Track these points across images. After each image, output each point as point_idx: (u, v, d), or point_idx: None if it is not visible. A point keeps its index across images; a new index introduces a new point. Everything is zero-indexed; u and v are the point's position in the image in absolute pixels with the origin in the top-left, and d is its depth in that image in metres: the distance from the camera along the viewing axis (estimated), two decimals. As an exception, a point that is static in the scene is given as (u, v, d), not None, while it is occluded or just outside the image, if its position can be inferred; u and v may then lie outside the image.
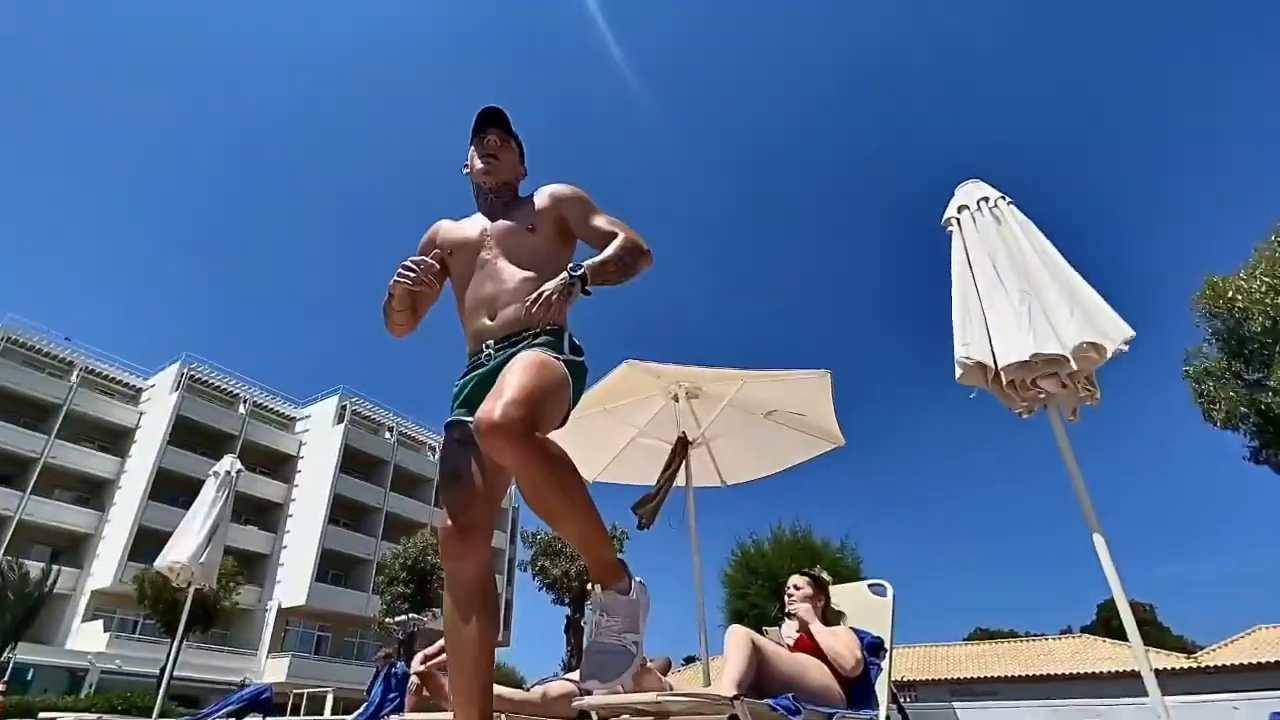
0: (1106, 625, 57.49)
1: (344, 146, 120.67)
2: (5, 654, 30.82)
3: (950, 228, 5.59)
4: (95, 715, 8.62)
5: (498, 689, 5.32)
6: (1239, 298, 20.24)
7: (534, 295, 2.85)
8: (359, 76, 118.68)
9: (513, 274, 3.19)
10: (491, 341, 3.09)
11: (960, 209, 5.53)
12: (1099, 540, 4.44)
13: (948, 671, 42.13)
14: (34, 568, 35.21)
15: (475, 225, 3.45)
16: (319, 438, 62.25)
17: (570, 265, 2.97)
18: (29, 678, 37.26)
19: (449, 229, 3.53)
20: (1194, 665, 35.62)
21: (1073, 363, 4.53)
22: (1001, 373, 4.72)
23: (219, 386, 60.52)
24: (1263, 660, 34.19)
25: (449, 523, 2.80)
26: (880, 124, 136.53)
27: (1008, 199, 5.41)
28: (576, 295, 2.91)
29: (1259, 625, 38.08)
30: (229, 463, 12.49)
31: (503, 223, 3.37)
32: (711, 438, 8.96)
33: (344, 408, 63.45)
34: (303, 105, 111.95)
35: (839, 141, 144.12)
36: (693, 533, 8.28)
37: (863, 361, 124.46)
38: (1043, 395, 4.75)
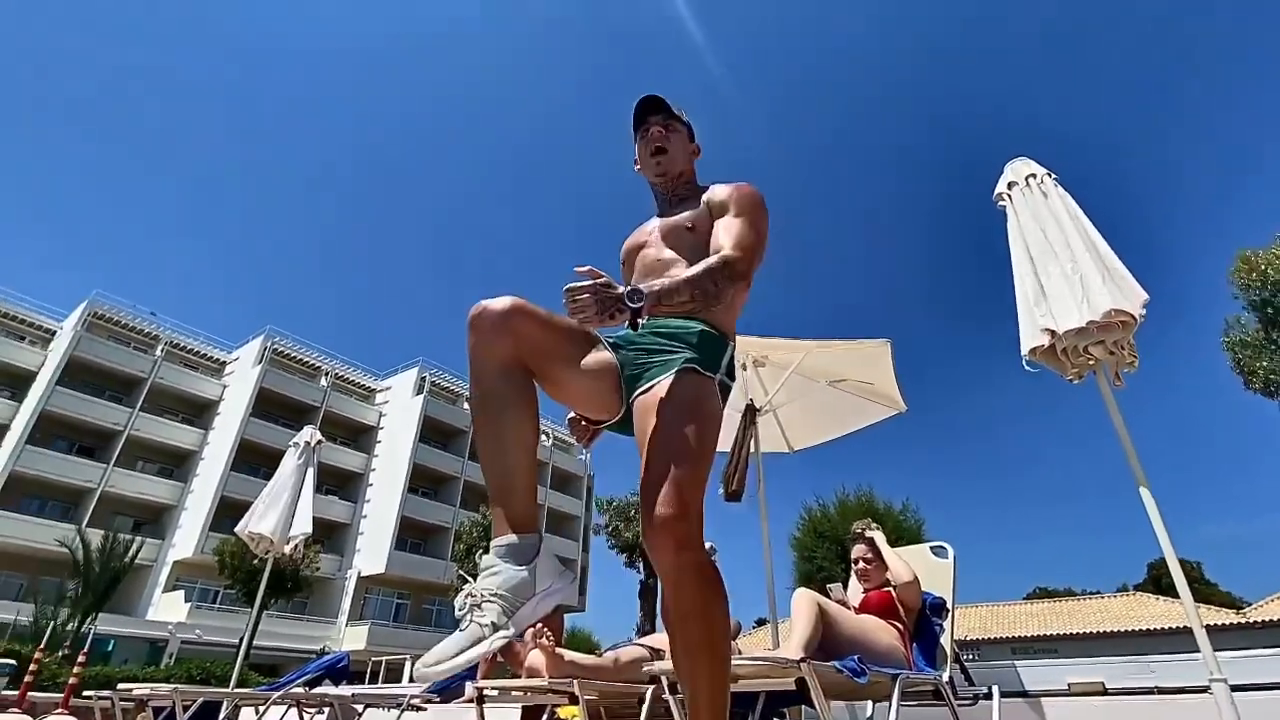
0: (1156, 583, 57.71)
1: (429, 131, 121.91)
2: (87, 625, 31.06)
3: (1002, 203, 5.68)
4: (171, 686, 8.65)
5: (570, 655, 5.43)
6: (1271, 270, 20.58)
7: (575, 287, 2.27)
8: (443, 67, 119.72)
9: (669, 267, 2.91)
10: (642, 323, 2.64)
11: (1010, 185, 5.63)
12: (1147, 496, 4.52)
13: (1009, 630, 42.76)
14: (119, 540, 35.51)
15: (648, 227, 3.20)
16: (399, 408, 62.91)
17: (629, 290, 2.35)
18: (110, 648, 37.76)
19: (629, 240, 3.25)
20: (1243, 620, 36.74)
21: (1122, 326, 4.64)
22: (1060, 339, 4.82)
23: (301, 359, 61.10)
24: (1309, 613, 34.81)
25: (494, 303, 2.38)
26: (932, 107, 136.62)
27: (1053, 175, 5.50)
28: (617, 321, 2.32)
29: (1305, 580, 38.94)
30: (309, 433, 12.23)
31: (668, 220, 3.10)
32: (778, 405, 9.08)
33: (423, 379, 64.03)
34: (383, 90, 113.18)
35: (896, 124, 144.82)
36: (761, 499, 8.39)
37: (924, 333, 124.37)
38: (1092, 361, 4.85)
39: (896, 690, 3.67)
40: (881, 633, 4.30)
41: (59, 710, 11.58)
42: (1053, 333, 4.87)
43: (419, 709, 8.32)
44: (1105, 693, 5.68)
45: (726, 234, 2.87)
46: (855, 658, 3.59)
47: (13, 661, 13.49)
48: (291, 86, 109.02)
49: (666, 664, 4.00)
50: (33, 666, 12.68)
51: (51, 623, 29.99)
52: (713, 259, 2.69)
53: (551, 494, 68.03)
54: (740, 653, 5.12)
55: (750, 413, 8.33)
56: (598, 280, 2.29)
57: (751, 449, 8.25)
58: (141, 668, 30.11)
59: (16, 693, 12.29)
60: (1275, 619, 35.79)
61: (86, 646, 17.31)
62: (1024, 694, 5.53)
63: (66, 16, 78.01)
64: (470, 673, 10.28)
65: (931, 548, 5.19)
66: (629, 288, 2.36)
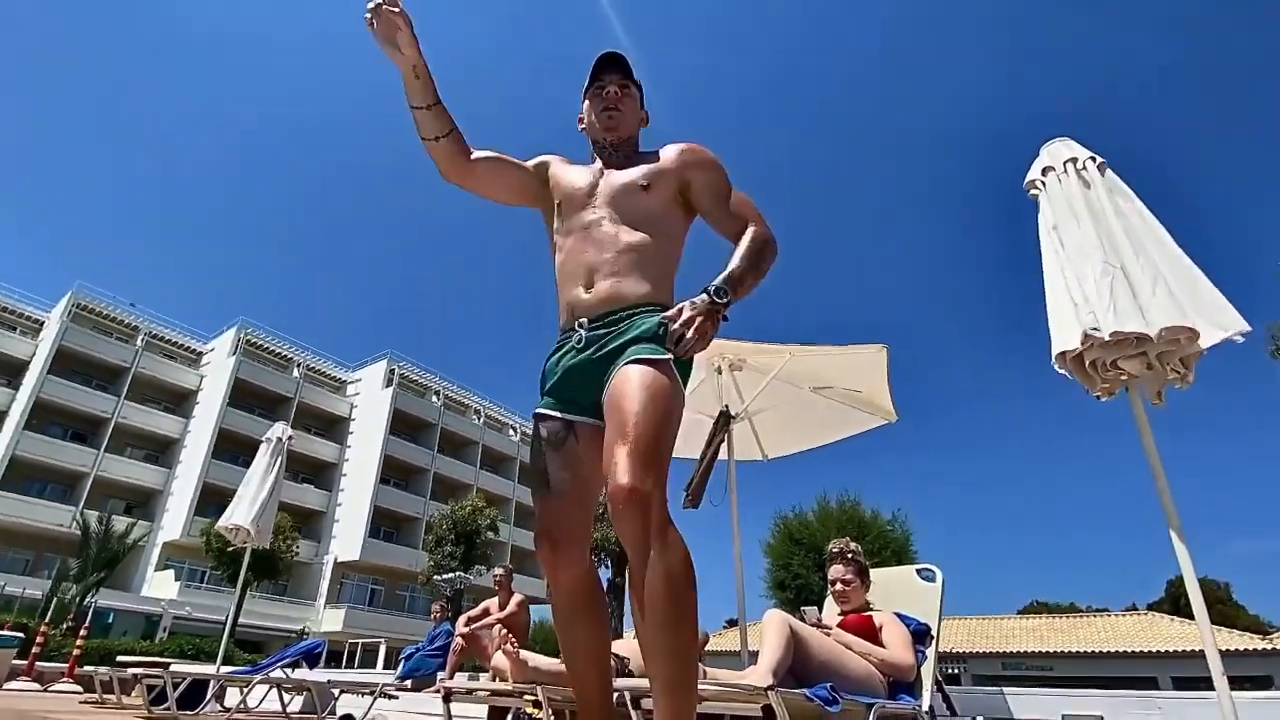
0: (1175, 603, 56.20)
1: (397, 116, 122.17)
2: (89, 599, 32.08)
3: (1034, 191, 5.05)
4: (165, 662, 9.30)
5: (534, 659, 5.28)
6: None
7: (679, 317, 2.36)
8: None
9: (617, 240, 2.73)
10: (585, 320, 2.65)
11: (1045, 171, 4.98)
12: (1175, 536, 4.08)
13: (1001, 645, 41.35)
14: (119, 523, 37.04)
15: (586, 175, 2.97)
16: (369, 400, 64.58)
17: (714, 286, 2.44)
18: (110, 621, 39.77)
19: (561, 168, 3.08)
20: (1269, 647, 34.20)
21: (1186, 342, 4.13)
22: (1084, 353, 4.35)
23: (273, 350, 62.82)
24: (1342, 644, 32.64)
25: (543, 535, 2.48)
26: (951, 84, 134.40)
27: (1099, 160, 4.81)
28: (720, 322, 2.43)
29: (1341, 608, 37.17)
30: (280, 429, 13.23)
31: (616, 177, 2.90)
32: (754, 411, 8.78)
33: (392, 371, 65.54)
34: (357, 80, 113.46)
35: (905, 107, 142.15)
36: (734, 507, 8.22)
37: (922, 335, 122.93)
38: (1124, 377, 4.35)
39: (871, 720, 3.56)
40: (857, 657, 4.13)
41: (65, 679, 13.11)
42: (1085, 342, 4.30)
43: (392, 696, 8.60)
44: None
45: (742, 209, 2.85)
46: (828, 685, 3.45)
47: (21, 635, 14.71)
48: (270, 79, 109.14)
49: (631, 681, 3.85)
50: (39, 638, 13.79)
51: (58, 598, 31.37)
52: (756, 238, 2.72)
53: (520, 489, 69.37)
54: (706, 674, 4.94)
55: (724, 419, 8.11)
56: (698, 306, 2.39)
57: (723, 456, 8.09)
58: (138, 640, 32.24)
59: (25, 662, 13.28)
60: (1303, 646, 33.69)
61: (88, 620, 17.85)
62: (1011, 726, 5.27)
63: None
64: (442, 664, 10.44)
65: (918, 570, 4.99)
66: (715, 288, 2.44)
